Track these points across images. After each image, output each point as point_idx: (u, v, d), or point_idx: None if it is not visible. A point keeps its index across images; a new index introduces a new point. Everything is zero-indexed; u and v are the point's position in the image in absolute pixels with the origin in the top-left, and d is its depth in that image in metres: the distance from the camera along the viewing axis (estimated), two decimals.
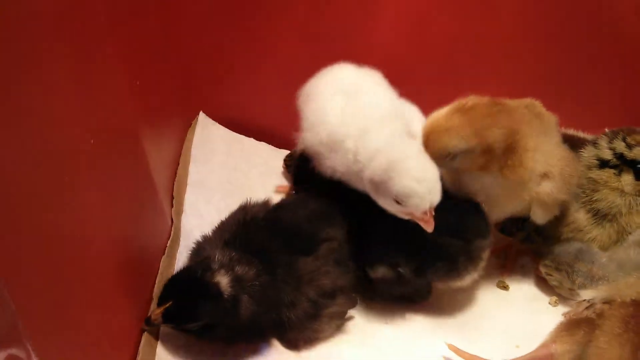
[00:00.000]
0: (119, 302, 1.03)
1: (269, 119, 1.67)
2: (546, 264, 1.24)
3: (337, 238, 1.17)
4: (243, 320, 1.03)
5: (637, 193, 1.20)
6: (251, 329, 1.07)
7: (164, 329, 1.08)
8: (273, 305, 1.08)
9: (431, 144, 1.08)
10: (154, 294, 1.14)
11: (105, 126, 1.02)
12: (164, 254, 1.22)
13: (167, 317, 1.01)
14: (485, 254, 1.17)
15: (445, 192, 1.09)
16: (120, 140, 1.10)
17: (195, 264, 1.10)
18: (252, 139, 1.67)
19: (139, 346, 1.04)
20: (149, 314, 1.05)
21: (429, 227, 1.06)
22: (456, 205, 1.15)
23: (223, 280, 1.02)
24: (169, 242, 1.25)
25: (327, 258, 1.14)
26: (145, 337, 1.06)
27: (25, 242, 0.72)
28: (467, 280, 1.17)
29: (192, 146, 1.53)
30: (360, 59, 1.59)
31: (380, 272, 1.16)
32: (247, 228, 1.15)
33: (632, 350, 0.94)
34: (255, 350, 1.11)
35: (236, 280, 1.03)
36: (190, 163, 1.48)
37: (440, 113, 1.11)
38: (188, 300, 1.02)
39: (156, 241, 1.23)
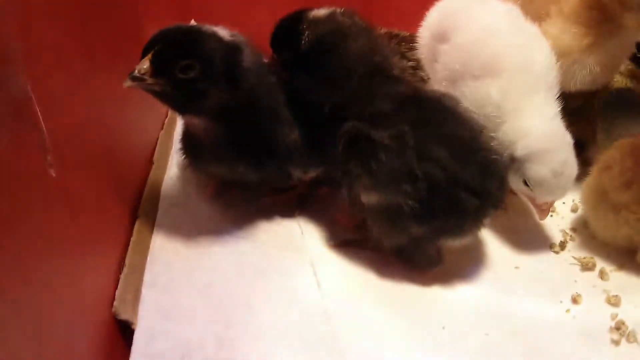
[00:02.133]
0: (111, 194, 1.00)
1: (261, 31, 1.67)
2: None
3: None
4: (245, 74, 0.94)
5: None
6: (249, 104, 0.99)
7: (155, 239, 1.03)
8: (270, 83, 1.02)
9: None
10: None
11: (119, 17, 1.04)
12: (162, 129, 1.22)
13: (158, 62, 0.87)
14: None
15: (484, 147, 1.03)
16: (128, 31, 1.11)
17: None
18: None
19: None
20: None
21: (543, 216, 1.11)
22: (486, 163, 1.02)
23: (221, 31, 0.94)
24: (166, 120, 1.26)
25: None
26: (134, 237, 1.02)
27: None
28: (464, 241, 1.06)
29: None
30: None
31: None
32: None
33: None
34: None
35: (235, 35, 0.96)
36: None
37: None
38: (183, 40, 0.90)
39: (153, 119, 1.23)
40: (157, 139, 1.20)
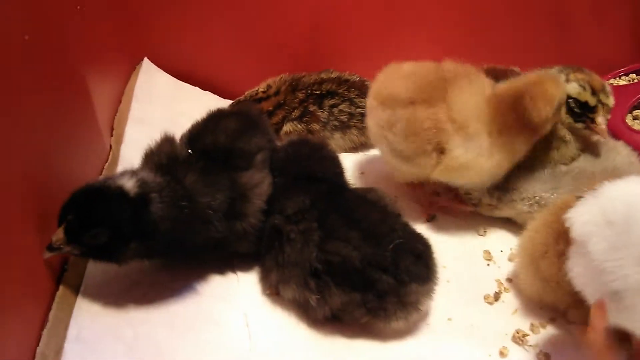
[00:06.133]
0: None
1: (215, 69, 1.69)
2: None
3: (267, 147, 1.19)
4: (157, 225, 0.96)
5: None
6: (172, 242, 1.00)
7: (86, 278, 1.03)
8: (195, 216, 1.01)
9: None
10: None
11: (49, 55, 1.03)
12: (100, 174, 1.22)
13: (70, 233, 0.91)
14: (423, 304, 1.05)
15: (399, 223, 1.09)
16: (59, 71, 1.11)
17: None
18: (197, 88, 1.68)
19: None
20: None
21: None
22: (402, 239, 1.04)
23: (128, 184, 0.95)
24: (106, 164, 1.26)
25: (264, 168, 1.15)
26: (60, 291, 1.00)
27: None
28: (392, 325, 1.04)
29: (135, 87, 1.53)
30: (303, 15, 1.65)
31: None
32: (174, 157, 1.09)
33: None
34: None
35: (143, 182, 0.96)
36: (133, 102, 1.49)
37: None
38: (89, 208, 0.92)
39: (92, 164, 1.22)
40: None
